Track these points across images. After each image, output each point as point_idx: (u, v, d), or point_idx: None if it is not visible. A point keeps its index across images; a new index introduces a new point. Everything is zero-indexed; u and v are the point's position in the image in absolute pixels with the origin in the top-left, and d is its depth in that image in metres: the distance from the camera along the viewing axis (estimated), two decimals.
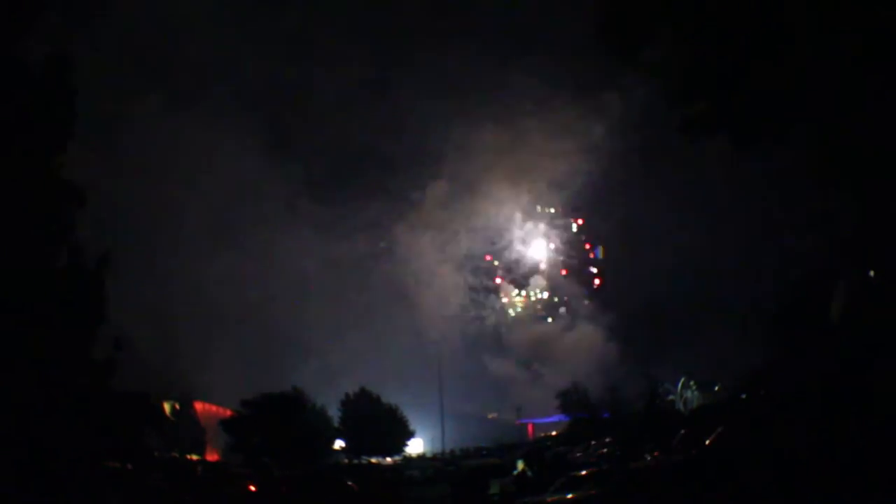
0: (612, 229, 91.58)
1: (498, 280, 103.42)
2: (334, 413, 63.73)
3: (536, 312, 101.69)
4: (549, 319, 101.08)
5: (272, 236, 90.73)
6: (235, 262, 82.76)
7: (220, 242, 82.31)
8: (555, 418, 75.69)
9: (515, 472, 33.90)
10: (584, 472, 25.21)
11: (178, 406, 64.33)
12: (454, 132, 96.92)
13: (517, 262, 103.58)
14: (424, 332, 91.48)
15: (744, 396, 41.44)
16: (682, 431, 25.43)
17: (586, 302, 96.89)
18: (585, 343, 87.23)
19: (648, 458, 27.39)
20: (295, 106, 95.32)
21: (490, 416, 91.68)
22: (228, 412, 58.99)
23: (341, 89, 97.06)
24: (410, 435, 67.57)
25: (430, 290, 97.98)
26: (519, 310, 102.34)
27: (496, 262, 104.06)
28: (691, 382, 73.98)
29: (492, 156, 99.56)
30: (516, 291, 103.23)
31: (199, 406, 69.64)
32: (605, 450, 37.90)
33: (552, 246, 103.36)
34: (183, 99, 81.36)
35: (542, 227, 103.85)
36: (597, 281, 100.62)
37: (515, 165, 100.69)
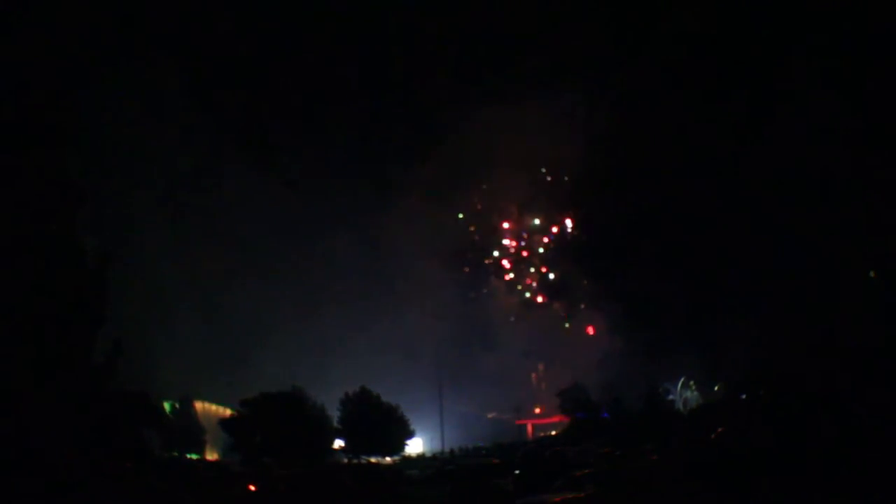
0: (613, 225, 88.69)
1: (492, 276, 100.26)
2: (333, 412, 63.66)
3: (532, 309, 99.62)
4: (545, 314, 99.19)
5: (248, 224, 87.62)
6: (209, 253, 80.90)
7: (196, 232, 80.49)
8: (554, 418, 75.73)
9: (515, 472, 33.97)
10: (583, 472, 25.23)
11: (177, 405, 64.34)
12: (446, 115, 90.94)
13: (512, 256, 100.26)
14: (416, 330, 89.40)
15: (744, 396, 41.45)
16: (682, 432, 25.51)
17: (582, 306, 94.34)
18: (583, 341, 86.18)
19: (648, 458, 27.38)
20: (272, 81, 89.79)
21: (489, 415, 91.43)
22: (228, 411, 59.06)
23: (323, 65, 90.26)
24: (410, 434, 67.46)
25: (418, 285, 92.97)
26: (514, 307, 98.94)
27: (490, 257, 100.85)
28: (691, 382, 74.13)
29: (487, 142, 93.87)
30: (511, 288, 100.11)
31: (198, 405, 69.63)
32: (604, 449, 37.93)
33: (548, 240, 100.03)
34: (148, 72, 77.54)
35: (540, 220, 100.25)
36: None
37: (513, 153, 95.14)
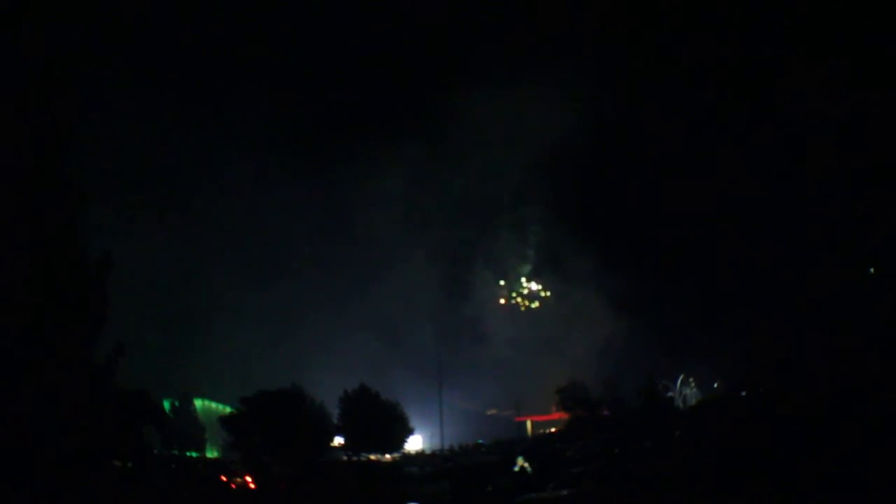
0: (610, 219, 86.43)
1: (482, 268, 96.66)
2: (333, 410, 63.69)
3: (524, 304, 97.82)
4: (535, 304, 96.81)
5: (245, 222, 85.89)
6: (208, 252, 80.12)
7: (193, 230, 79.70)
8: (554, 415, 75.68)
9: (514, 469, 34.01)
10: (582, 469, 25.29)
11: (177, 403, 64.45)
12: (435, 92, 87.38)
13: (503, 248, 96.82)
14: (409, 324, 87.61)
15: (743, 394, 41.47)
16: (681, 430, 25.51)
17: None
18: (580, 330, 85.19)
19: (647, 456, 27.40)
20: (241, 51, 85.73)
21: (489, 412, 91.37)
22: (228, 409, 59.17)
23: (309, 41, 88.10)
24: (409, 432, 67.51)
25: (402, 277, 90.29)
26: (504, 302, 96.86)
27: (478, 249, 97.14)
28: (690, 379, 74.14)
29: (480, 123, 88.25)
30: (502, 282, 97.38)
31: (198, 403, 69.74)
32: (603, 447, 37.98)
33: (542, 233, 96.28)
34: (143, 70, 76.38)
35: (534, 209, 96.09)
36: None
37: (507, 136, 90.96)
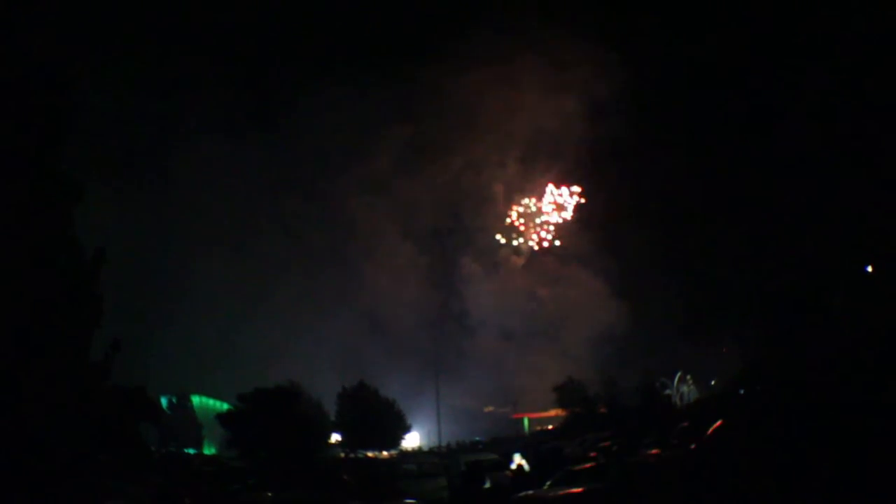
0: (608, 212, 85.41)
1: (470, 263, 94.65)
2: (331, 407, 63.72)
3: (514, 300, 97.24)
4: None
5: (243, 220, 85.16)
6: (205, 248, 79.53)
7: (190, 226, 79.16)
8: (551, 412, 75.76)
9: (512, 467, 34.03)
10: (581, 467, 25.25)
11: (174, 400, 64.44)
12: (422, 72, 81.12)
13: (494, 243, 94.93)
14: (399, 318, 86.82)
15: (741, 392, 41.52)
16: (682, 425, 25.47)
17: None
18: (575, 334, 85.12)
19: (645, 453, 27.39)
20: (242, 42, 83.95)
21: (486, 409, 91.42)
22: (225, 406, 59.19)
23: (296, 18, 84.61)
24: (407, 429, 67.58)
25: (385, 270, 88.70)
26: (494, 297, 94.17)
27: (469, 240, 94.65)
28: (688, 377, 74.17)
29: (470, 108, 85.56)
30: (491, 278, 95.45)
31: (195, 400, 69.75)
32: (602, 444, 38.00)
33: (538, 227, 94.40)
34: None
35: (529, 201, 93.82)
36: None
37: (499, 122, 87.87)
